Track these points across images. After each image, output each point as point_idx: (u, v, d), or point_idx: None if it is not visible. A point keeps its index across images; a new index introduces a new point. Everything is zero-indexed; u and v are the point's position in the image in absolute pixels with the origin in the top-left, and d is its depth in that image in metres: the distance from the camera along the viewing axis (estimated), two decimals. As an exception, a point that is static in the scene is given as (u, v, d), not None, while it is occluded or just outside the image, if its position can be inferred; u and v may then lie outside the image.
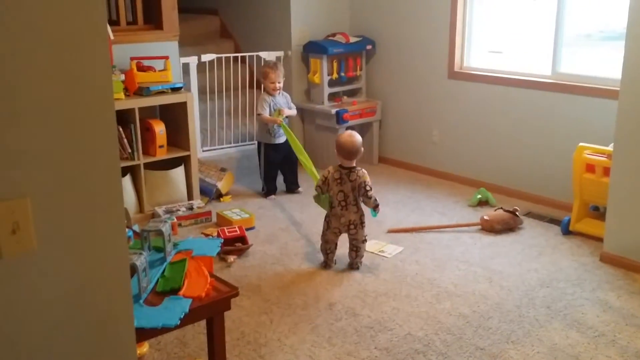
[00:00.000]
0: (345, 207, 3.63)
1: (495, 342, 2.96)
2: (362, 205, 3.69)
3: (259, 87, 5.90)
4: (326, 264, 3.77)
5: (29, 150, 1.21)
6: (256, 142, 5.13)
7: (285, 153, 4.94)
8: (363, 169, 3.68)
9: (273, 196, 4.97)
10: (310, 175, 4.36)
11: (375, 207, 3.64)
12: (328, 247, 3.74)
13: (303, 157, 4.53)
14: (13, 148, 1.19)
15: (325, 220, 3.75)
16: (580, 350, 2.89)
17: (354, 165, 3.66)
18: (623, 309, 3.25)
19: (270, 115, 4.81)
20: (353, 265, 3.73)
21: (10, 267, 1.23)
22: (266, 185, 5.02)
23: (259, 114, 4.86)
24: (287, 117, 4.90)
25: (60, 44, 1.22)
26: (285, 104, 4.93)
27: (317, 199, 3.77)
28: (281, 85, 4.89)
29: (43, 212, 1.25)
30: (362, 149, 3.71)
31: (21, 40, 1.17)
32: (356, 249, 3.70)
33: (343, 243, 3.78)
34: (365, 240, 3.73)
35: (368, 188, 3.58)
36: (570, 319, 3.16)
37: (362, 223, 3.67)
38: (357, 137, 3.69)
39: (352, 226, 3.65)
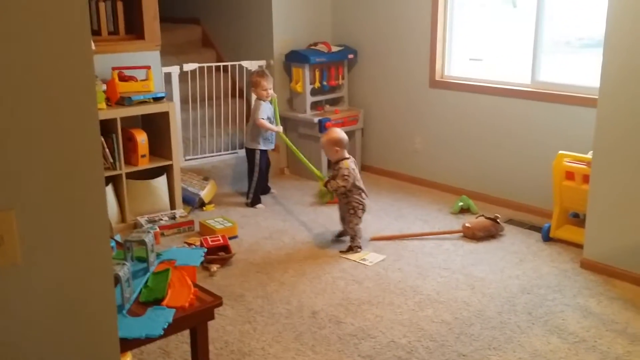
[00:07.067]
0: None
1: (477, 349, 2.98)
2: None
3: (241, 97, 5.91)
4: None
5: (14, 163, 1.21)
6: (247, 149, 5.09)
7: (267, 159, 5.10)
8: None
9: (262, 205, 4.97)
10: (314, 173, 4.77)
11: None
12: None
13: (304, 160, 4.86)
14: (-3, 160, 1.19)
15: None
16: (561, 356, 2.92)
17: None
18: (603, 315, 3.29)
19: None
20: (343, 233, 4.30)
21: (-6, 280, 1.23)
22: (255, 195, 5.00)
23: (261, 119, 4.89)
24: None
25: (44, 56, 1.22)
26: (270, 110, 5.00)
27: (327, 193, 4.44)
28: (271, 91, 4.99)
29: (28, 224, 1.24)
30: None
31: (3, 53, 1.17)
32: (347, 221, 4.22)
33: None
34: (353, 214, 4.15)
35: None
36: (551, 325, 3.20)
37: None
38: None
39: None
